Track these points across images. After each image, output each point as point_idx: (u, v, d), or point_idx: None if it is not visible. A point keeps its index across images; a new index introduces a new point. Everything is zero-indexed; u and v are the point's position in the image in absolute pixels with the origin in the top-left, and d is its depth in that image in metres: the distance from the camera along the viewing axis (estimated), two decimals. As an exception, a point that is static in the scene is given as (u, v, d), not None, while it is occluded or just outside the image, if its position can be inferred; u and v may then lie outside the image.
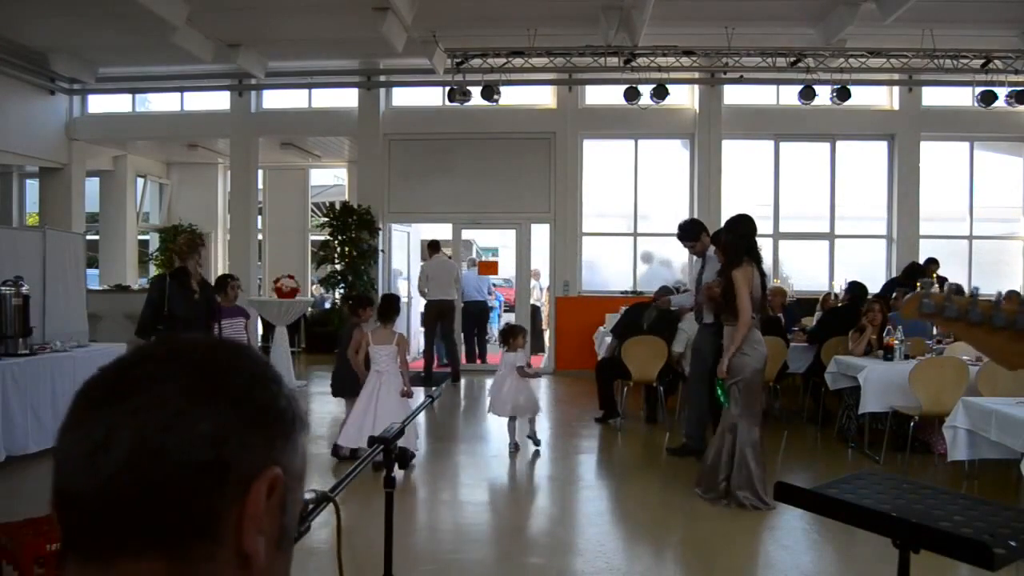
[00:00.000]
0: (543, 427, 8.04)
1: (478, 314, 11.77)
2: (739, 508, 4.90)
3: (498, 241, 17.98)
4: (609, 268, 11.59)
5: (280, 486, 0.65)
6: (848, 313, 7.66)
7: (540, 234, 11.49)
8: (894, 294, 7.49)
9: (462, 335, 11.97)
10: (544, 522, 4.99)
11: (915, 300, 1.36)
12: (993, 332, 1.32)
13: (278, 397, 0.67)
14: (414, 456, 5.97)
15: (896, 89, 11.00)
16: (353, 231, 10.81)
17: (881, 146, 11.34)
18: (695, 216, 11.02)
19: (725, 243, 5.18)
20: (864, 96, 10.68)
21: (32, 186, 12.88)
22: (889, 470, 5.64)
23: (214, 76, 11.18)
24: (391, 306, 6.04)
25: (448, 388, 9.63)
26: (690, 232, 6.36)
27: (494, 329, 13.29)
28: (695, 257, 6.65)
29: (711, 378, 5.50)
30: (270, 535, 0.64)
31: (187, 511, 0.60)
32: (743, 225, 5.15)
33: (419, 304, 13.41)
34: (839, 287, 9.53)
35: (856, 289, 7.81)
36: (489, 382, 10.43)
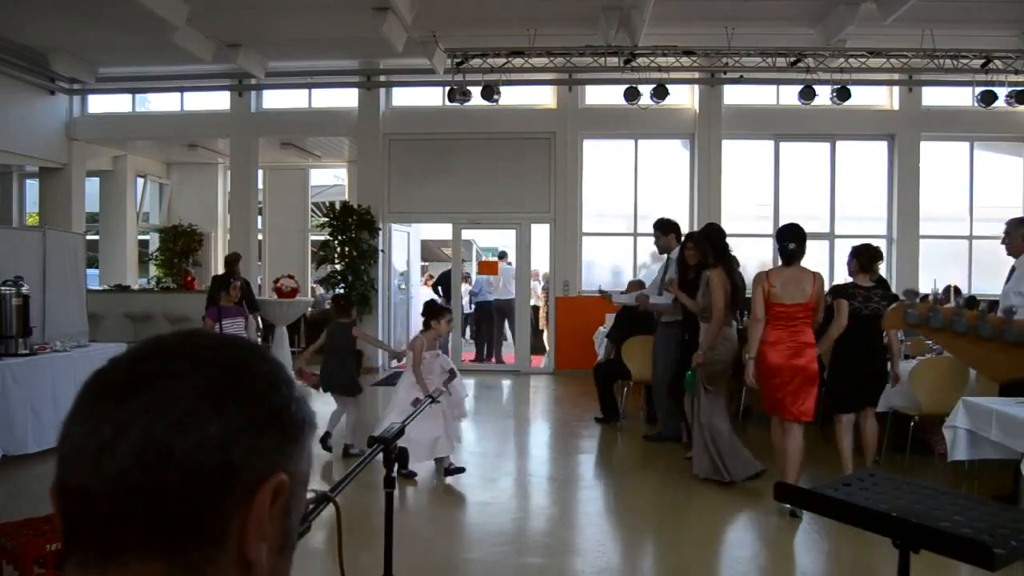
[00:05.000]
0: (542, 427, 8.05)
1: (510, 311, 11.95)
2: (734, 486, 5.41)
3: (498, 241, 17.96)
4: (609, 268, 11.59)
5: (285, 492, 0.64)
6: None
7: (540, 234, 11.50)
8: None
9: (496, 332, 12.05)
10: (544, 522, 4.99)
11: (899, 311, 1.36)
12: (979, 342, 1.32)
13: (290, 401, 0.66)
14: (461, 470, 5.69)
15: (896, 89, 10.99)
16: (353, 231, 10.81)
17: (881, 146, 11.34)
18: (696, 217, 11.06)
19: (703, 248, 5.72)
20: (864, 96, 10.68)
21: (32, 186, 12.88)
22: (889, 470, 5.64)
23: (214, 76, 11.18)
24: (427, 314, 5.95)
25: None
26: (666, 227, 6.90)
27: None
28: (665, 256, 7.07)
29: (677, 370, 6.14)
30: (273, 541, 0.63)
31: (192, 514, 0.59)
32: (717, 233, 5.73)
33: (419, 300, 13.51)
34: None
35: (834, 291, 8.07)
36: (507, 383, 10.49)
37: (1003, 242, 5.43)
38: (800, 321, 4.86)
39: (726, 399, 5.90)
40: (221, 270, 12.30)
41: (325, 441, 6.23)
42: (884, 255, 5.50)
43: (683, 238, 6.68)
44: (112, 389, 0.61)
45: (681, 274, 6.35)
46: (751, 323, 5.02)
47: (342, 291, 10.81)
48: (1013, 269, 5.33)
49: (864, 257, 5.27)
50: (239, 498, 0.61)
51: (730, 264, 5.68)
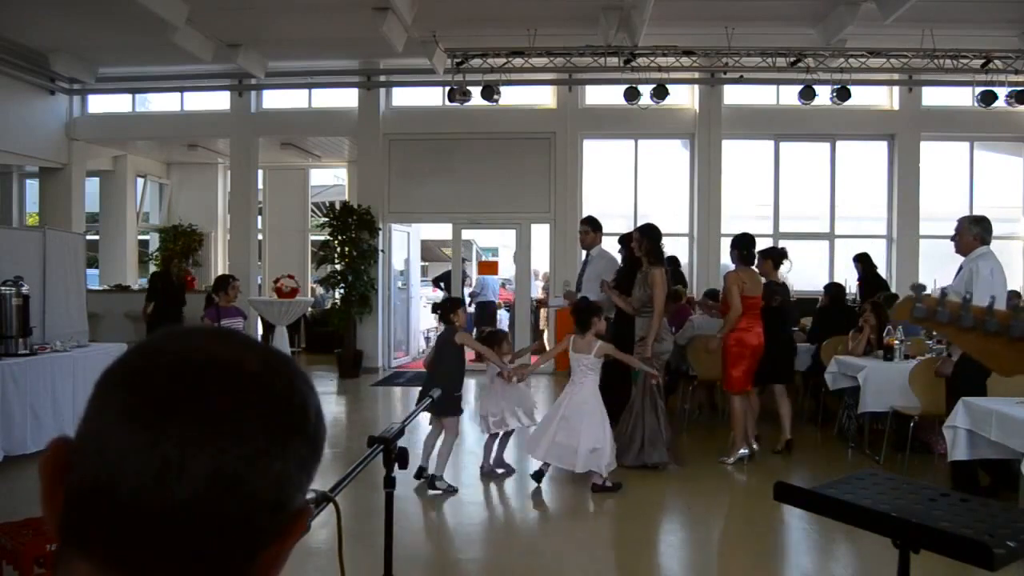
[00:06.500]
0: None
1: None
2: (653, 469, 5.77)
3: (498, 241, 17.96)
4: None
5: (308, 521, 0.64)
6: (836, 313, 7.76)
7: (540, 234, 11.49)
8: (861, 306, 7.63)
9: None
10: (544, 522, 4.99)
11: (907, 304, 1.35)
12: (986, 337, 1.31)
13: (325, 430, 0.66)
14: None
15: (896, 89, 11.00)
16: (353, 231, 10.81)
17: (881, 146, 11.34)
18: (696, 217, 11.07)
19: (647, 247, 5.98)
20: (864, 96, 10.68)
21: (32, 186, 12.88)
22: (889, 470, 5.64)
23: (214, 76, 11.18)
24: (586, 313, 5.47)
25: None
26: (597, 225, 6.95)
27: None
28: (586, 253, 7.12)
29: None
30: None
31: (238, 546, 0.59)
32: (656, 232, 6.08)
33: (421, 301, 13.55)
34: (849, 289, 9.51)
35: (833, 290, 8.18)
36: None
37: (952, 239, 5.44)
38: (758, 310, 6.05)
39: None
40: (222, 271, 12.34)
41: (421, 474, 5.47)
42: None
43: (620, 238, 6.98)
44: (168, 401, 0.58)
45: (626, 272, 6.52)
46: (732, 313, 5.92)
47: (343, 291, 10.79)
48: (961, 268, 5.34)
49: (778, 259, 6.37)
50: (276, 532, 0.61)
51: (664, 264, 6.10)
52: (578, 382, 5.35)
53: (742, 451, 6.06)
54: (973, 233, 5.18)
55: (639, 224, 6.35)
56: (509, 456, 5.92)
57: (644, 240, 6.02)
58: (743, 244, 6.15)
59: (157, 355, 0.61)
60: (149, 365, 0.60)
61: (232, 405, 0.59)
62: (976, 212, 11.23)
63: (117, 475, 0.57)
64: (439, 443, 5.45)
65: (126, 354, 0.63)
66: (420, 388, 5.61)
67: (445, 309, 5.71)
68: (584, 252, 7.24)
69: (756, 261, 6.27)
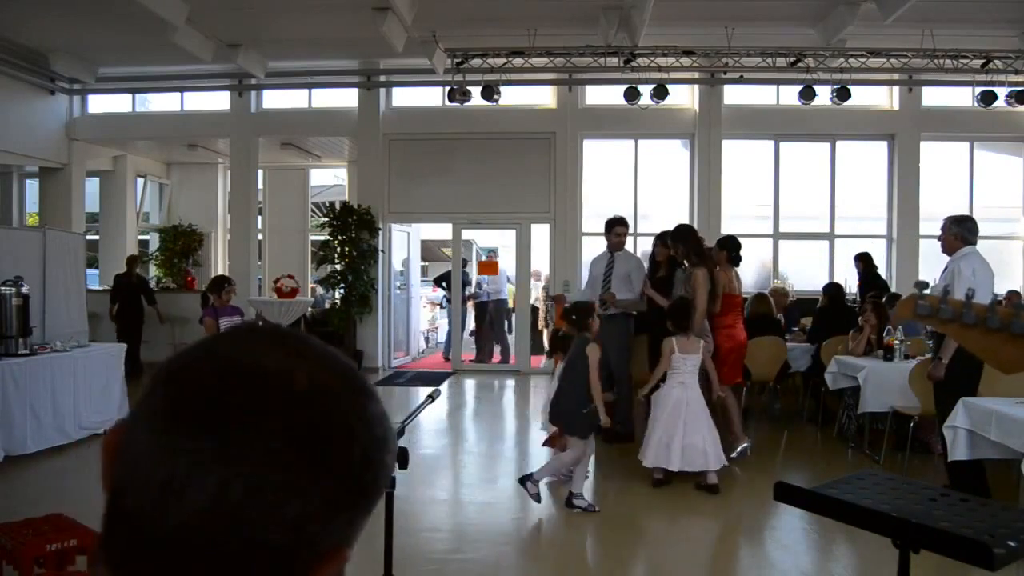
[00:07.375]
0: (541, 433, 8.03)
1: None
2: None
3: (498, 241, 17.96)
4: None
5: (342, 566, 0.57)
6: (836, 313, 7.77)
7: (540, 234, 11.49)
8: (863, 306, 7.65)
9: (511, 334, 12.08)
10: (544, 522, 4.99)
11: (910, 302, 1.36)
12: (988, 334, 1.32)
13: (379, 475, 0.57)
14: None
15: (896, 89, 10.99)
16: (353, 231, 10.81)
17: (881, 146, 11.34)
18: (696, 217, 11.07)
19: (683, 251, 6.10)
20: (864, 96, 10.68)
21: (32, 186, 12.87)
22: (889, 470, 5.64)
23: (214, 76, 11.17)
24: (685, 313, 5.49)
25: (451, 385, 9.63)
26: (628, 226, 7.16)
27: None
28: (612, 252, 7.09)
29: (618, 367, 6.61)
30: None
31: None
32: (688, 232, 6.29)
33: (418, 300, 13.55)
34: (850, 289, 9.51)
35: (832, 290, 8.19)
36: (507, 383, 10.50)
37: (938, 239, 5.45)
38: (740, 309, 6.43)
39: None
40: (222, 271, 12.34)
41: (570, 501, 4.98)
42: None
43: (656, 237, 7.00)
44: (189, 410, 0.53)
45: (652, 272, 6.72)
46: (701, 311, 6.01)
47: (342, 291, 10.77)
48: (947, 268, 5.35)
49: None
50: (295, 571, 0.54)
51: (709, 263, 6.09)
52: (688, 384, 5.33)
53: (743, 445, 6.14)
54: (954, 233, 5.18)
55: (678, 224, 6.46)
56: (502, 467, 5.90)
57: (679, 245, 6.12)
58: (730, 246, 6.38)
59: (204, 356, 0.56)
60: (192, 365, 0.55)
61: (250, 431, 0.52)
62: (976, 212, 11.25)
63: (127, 481, 0.54)
64: (565, 458, 5.05)
65: (189, 347, 0.58)
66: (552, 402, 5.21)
67: (582, 314, 5.00)
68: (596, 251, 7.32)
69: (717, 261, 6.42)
